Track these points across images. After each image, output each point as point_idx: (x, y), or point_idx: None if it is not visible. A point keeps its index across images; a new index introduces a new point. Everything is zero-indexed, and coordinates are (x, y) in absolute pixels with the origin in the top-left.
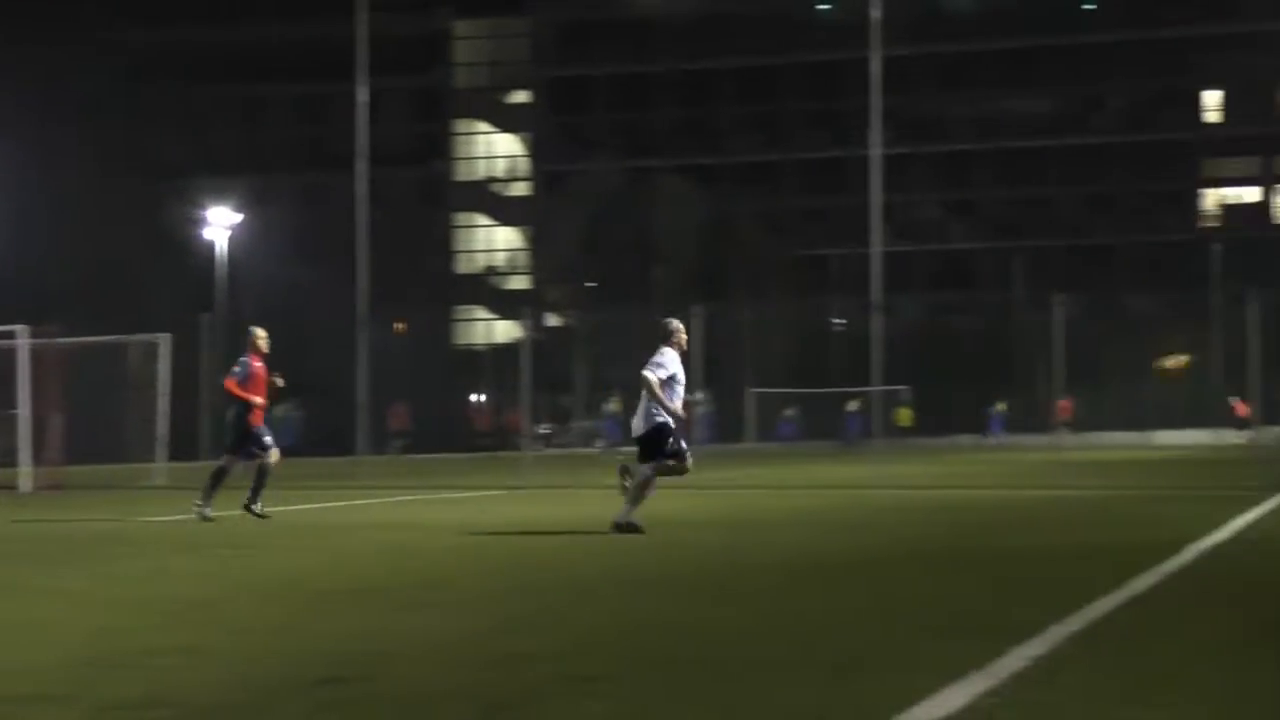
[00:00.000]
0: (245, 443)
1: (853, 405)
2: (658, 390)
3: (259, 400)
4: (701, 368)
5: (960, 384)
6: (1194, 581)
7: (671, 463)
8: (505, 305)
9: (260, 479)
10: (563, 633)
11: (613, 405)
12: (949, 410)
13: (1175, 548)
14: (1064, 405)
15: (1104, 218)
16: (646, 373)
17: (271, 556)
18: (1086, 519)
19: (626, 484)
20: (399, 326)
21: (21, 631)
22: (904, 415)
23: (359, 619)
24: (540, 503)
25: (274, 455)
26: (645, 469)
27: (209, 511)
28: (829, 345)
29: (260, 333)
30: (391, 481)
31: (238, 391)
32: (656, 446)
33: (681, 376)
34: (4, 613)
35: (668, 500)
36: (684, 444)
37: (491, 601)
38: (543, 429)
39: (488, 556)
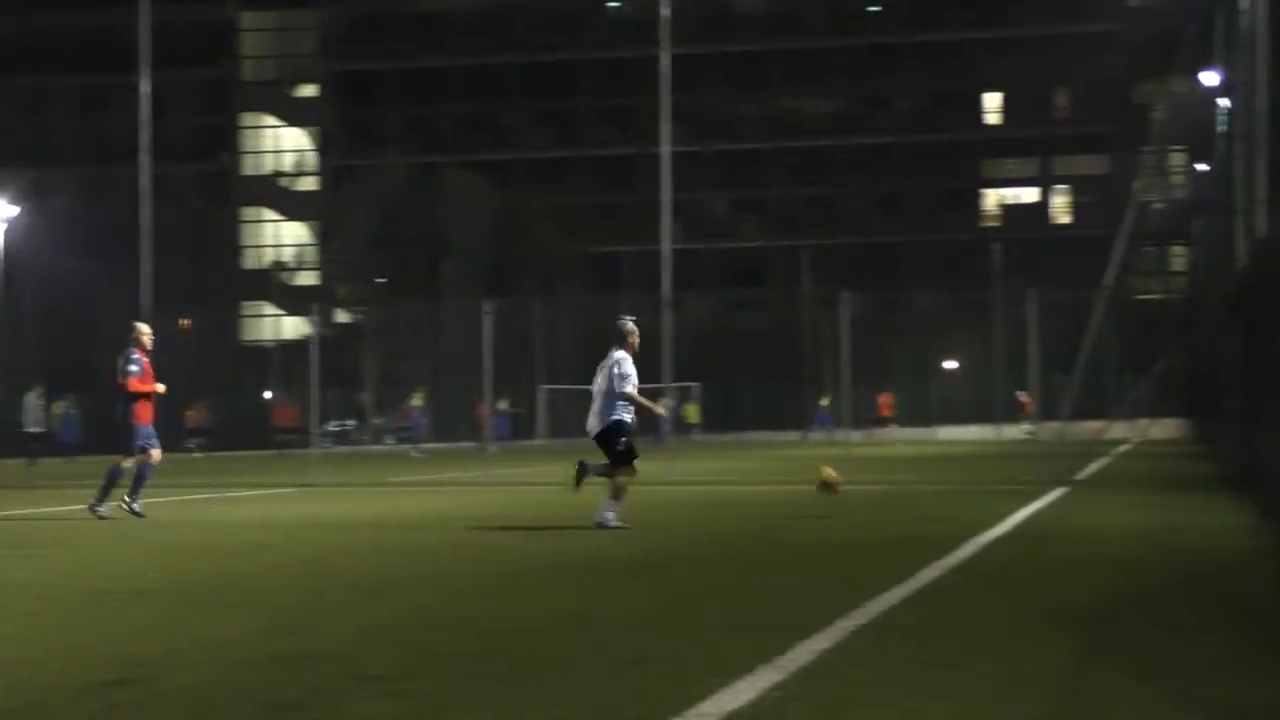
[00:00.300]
0: (133, 439)
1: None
2: (642, 400)
3: (160, 388)
4: (493, 366)
5: (750, 381)
6: (976, 574)
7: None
8: (294, 301)
9: (140, 477)
10: (349, 631)
11: (417, 401)
12: (738, 407)
13: (958, 542)
14: (884, 401)
15: (891, 217)
16: (628, 389)
17: (53, 557)
18: (872, 514)
19: (583, 482)
20: (184, 323)
21: None
22: (691, 411)
23: (143, 619)
24: (328, 500)
25: (155, 455)
26: (618, 477)
27: (104, 510)
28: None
29: (145, 328)
30: (179, 480)
31: (141, 387)
32: (611, 444)
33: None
34: None
35: (458, 498)
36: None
37: (277, 601)
38: (333, 426)
39: (273, 556)
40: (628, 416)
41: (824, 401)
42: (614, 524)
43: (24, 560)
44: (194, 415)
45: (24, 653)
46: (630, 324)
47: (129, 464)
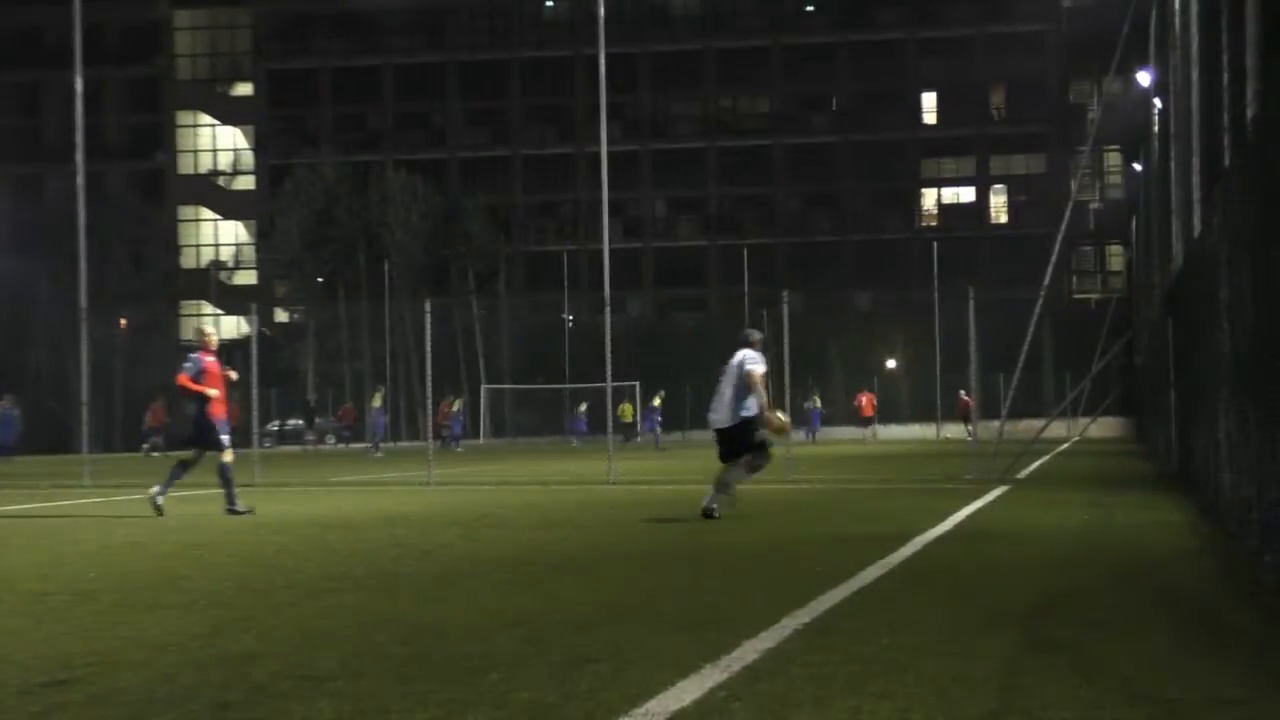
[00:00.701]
0: (207, 436)
1: (583, 407)
2: (763, 396)
3: (214, 391)
4: (431, 365)
5: (688, 380)
6: (917, 573)
7: (756, 457)
8: (232, 300)
9: (225, 479)
10: (289, 632)
11: (376, 402)
12: (681, 406)
13: (899, 540)
14: (867, 400)
15: (828, 216)
16: (759, 368)
17: None
18: (814, 513)
19: (731, 478)
20: (122, 323)
21: None
22: (626, 411)
23: (83, 620)
24: (269, 500)
25: (228, 454)
26: (738, 468)
27: (241, 506)
28: (559, 342)
29: (209, 329)
30: (118, 480)
31: (192, 386)
32: (747, 438)
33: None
34: None
35: (392, 498)
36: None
37: (217, 601)
38: (272, 425)
39: (212, 556)
40: (755, 410)
41: (817, 401)
42: (718, 512)
43: None
44: (152, 416)
45: None
46: (758, 334)
47: (229, 457)
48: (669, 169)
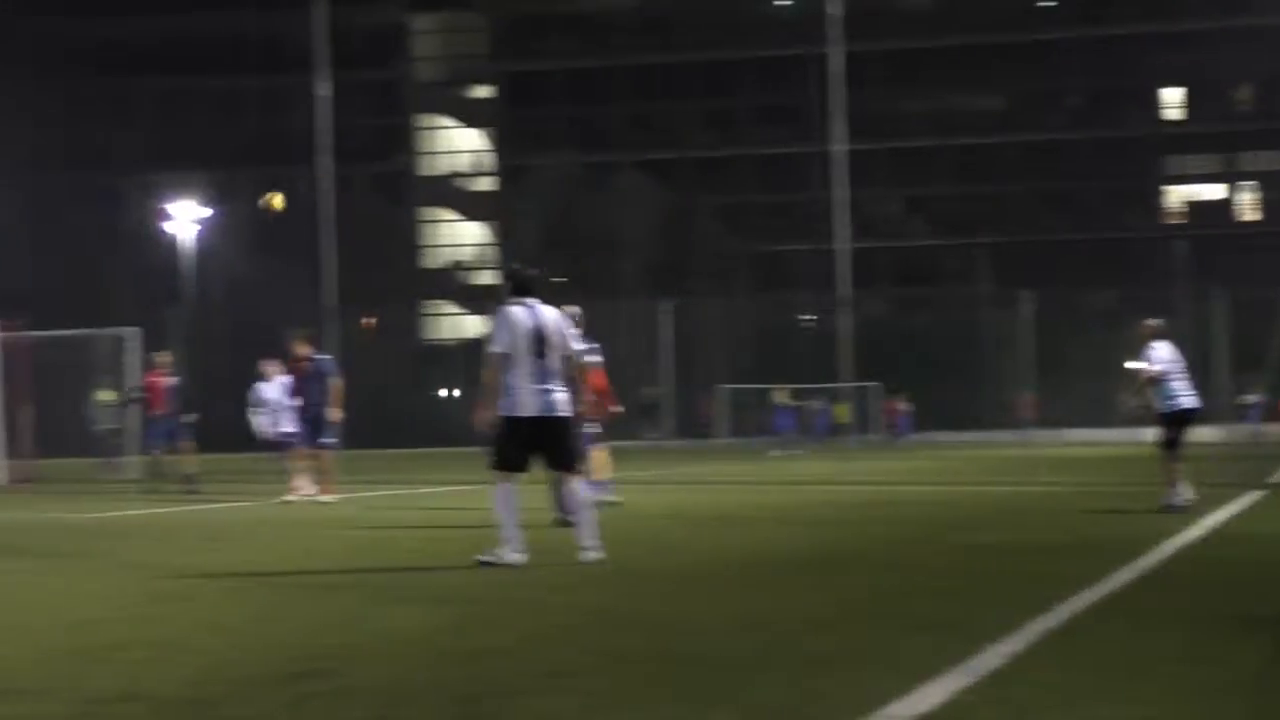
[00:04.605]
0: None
1: (816, 405)
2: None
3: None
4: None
5: (925, 381)
6: (1167, 578)
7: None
8: (473, 300)
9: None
10: (532, 628)
11: (783, 399)
12: (926, 407)
13: (1148, 544)
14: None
15: (1062, 214)
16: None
17: (243, 549)
18: (1056, 516)
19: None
20: (367, 322)
21: None
22: (841, 412)
23: (329, 612)
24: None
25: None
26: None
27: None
28: (793, 342)
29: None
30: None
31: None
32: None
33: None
34: None
35: (636, 495)
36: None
37: (461, 596)
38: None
39: (451, 551)
40: (1187, 401)
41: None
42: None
43: (213, 553)
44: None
45: (213, 643)
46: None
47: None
48: (900, 168)
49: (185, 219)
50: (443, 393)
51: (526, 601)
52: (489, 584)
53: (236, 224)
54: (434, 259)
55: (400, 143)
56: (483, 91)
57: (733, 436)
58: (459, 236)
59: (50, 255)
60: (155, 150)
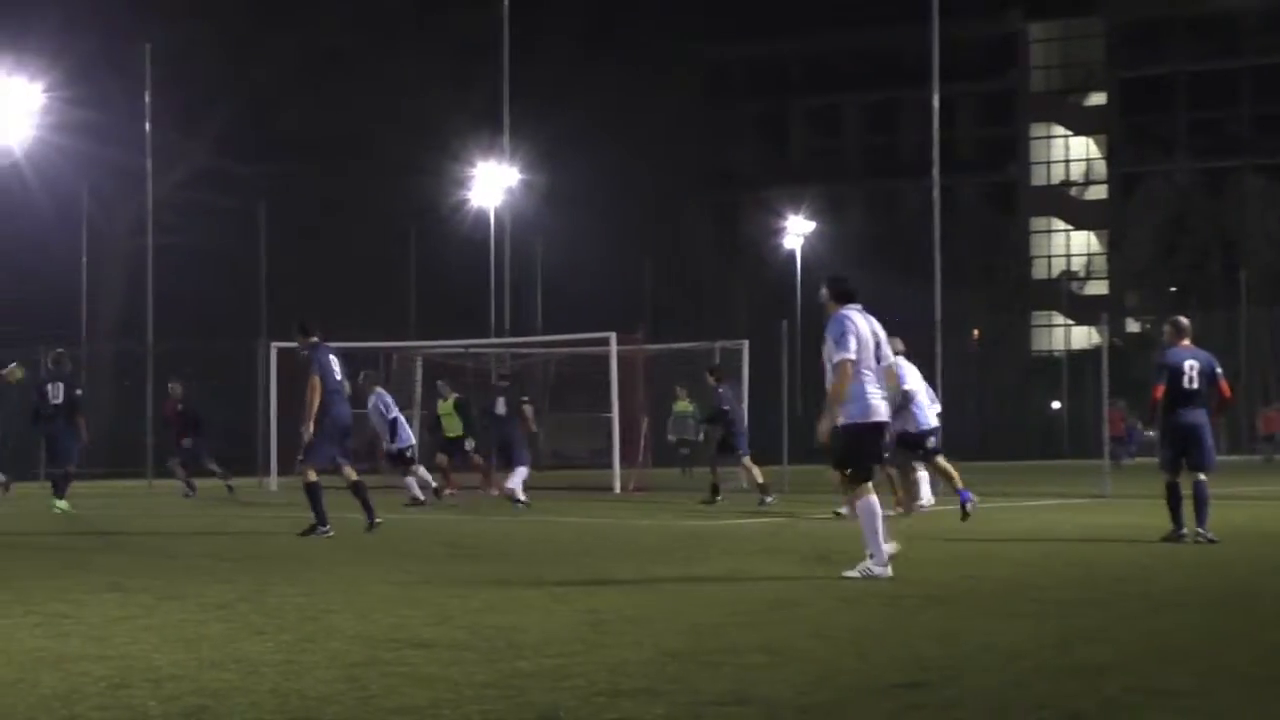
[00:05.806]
0: None
1: None
2: None
3: None
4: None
5: None
6: None
7: None
8: (1083, 310)
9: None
10: (1141, 645)
11: None
12: None
13: None
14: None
15: None
16: None
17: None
18: None
19: None
20: (975, 334)
21: (618, 626)
22: None
23: (933, 624)
24: (1121, 513)
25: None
26: None
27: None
28: None
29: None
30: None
31: None
32: None
33: None
34: (606, 606)
35: (1234, 511)
36: None
37: (1067, 611)
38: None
39: (1058, 565)
40: None
41: None
42: None
43: (820, 561)
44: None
45: (823, 652)
46: None
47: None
48: None
49: (797, 233)
50: (1055, 405)
51: (1133, 617)
52: (1093, 601)
53: (842, 237)
54: (1041, 269)
55: (1011, 153)
56: (1097, 98)
57: None
58: (1068, 246)
59: (668, 270)
60: (769, 167)
